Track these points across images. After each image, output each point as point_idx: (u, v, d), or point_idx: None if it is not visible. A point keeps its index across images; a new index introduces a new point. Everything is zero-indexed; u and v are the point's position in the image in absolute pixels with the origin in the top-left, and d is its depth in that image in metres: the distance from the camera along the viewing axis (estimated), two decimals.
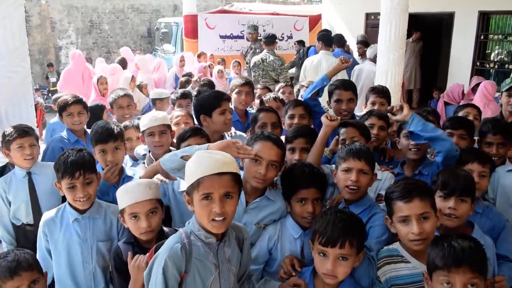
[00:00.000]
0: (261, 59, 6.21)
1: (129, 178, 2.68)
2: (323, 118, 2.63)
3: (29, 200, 2.82)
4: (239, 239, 1.86)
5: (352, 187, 2.15)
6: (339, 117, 2.73)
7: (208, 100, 2.98)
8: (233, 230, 1.84)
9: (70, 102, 3.45)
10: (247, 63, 7.37)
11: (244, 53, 7.71)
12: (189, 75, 7.17)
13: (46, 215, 2.35)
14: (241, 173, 2.07)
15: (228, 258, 1.77)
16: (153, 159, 2.89)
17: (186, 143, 2.53)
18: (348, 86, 3.36)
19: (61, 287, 2.30)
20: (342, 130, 2.69)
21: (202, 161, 1.68)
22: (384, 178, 2.58)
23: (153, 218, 2.09)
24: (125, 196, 2.11)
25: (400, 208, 1.91)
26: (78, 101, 3.51)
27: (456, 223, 2.10)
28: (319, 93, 3.30)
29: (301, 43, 9.57)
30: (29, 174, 2.85)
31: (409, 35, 8.88)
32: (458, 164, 2.44)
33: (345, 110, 3.25)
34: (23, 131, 2.84)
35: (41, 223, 2.34)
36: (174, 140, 3.20)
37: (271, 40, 6.39)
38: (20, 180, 2.85)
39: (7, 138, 2.82)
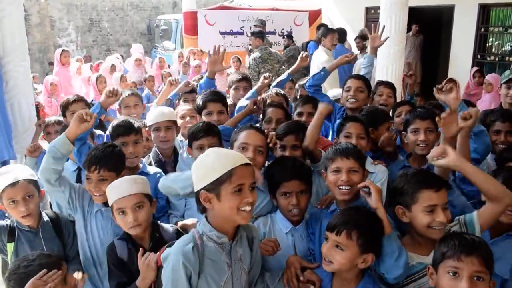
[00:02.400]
0: (270, 52, 6.22)
1: (146, 175, 2.67)
2: (320, 105, 2.62)
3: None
4: (249, 239, 1.87)
5: (344, 188, 2.10)
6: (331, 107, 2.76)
7: (201, 101, 3.12)
8: (244, 229, 1.84)
9: (72, 100, 3.51)
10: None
11: (250, 50, 7.56)
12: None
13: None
14: None
15: (240, 257, 1.78)
16: (159, 153, 3.01)
17: (198, 143, 2.57)
18: (359, 77, 3.48)
19: (85, 260, 2.41)
20: (348, 125, 2.64)
21: (226, 154, 1.71)
22: (377, 171, 2.56)
23: (140, 213, 2.11)
24: (113, 192, 2.15)
25: (430, 197, 1.88)
26: (80, 99, 3.57)
27: None
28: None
29: (290, 37, 9.32)
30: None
31: (408, 29, 8.87)
32: None
33: (353, 96, 3.29)
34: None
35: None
36: (177, 137, 3.23)
37: (262, 34, 6.45)
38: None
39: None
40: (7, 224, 2.35)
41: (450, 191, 2.01)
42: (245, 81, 3.87)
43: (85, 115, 2.31)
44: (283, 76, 3.97)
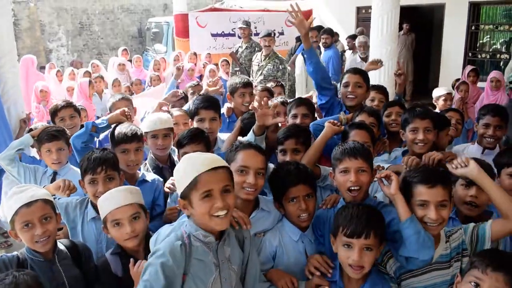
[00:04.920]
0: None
1: (145, 182, 2.69)
2: (326, 123, 2.62)
3: None
4: (239, 239, 1.85)
5: (353, 188, 2.08)
6: (342, 126, 2.70)
7: (192, 106, 3.10)
8: (233, 229, 1.82)
9: (60, 106, 3.47)
10: (241, 64, 7.23)
11: (236, 52, 7.51)
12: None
13: (68, 199, 2.39)
14: None
15: (228, 258, 1.75)
16: (155, 159, 2.99)
17: (183, 150, 2.59)
18: (357, 71, 3.39)
19: None
20: (353, 132, 2.62)
21: (194, 161, 1.68)
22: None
23: (137, 223, 2.07)
24: (105, 203, 2.08)
25: (421, 192, 1.92)
26: (69, 104, 3.53)
27: (476, 212, 2.22)
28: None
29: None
30: (54, 173, 2.97)
31: (400, 27, 8.90)
32: None
33: (351, 93, 3.24)
34: (51, 136, 2.94)
35: (60, 201, 2.38)
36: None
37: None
38: (45, 176, 2.99)
39: (38, 139, 2.99)
40: (13, 256, 2.02)
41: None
42: (250, 87, 3.76)
43: (66, 187, 2.33)
44: None
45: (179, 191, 1.71)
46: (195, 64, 8.46)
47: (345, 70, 6.52)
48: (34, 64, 7.19)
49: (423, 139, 2.63)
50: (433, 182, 1.90)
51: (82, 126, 3.23)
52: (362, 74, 3.33)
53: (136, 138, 2.69)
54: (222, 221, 1.66)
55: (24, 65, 7.11)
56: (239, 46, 7.44)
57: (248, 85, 3.72)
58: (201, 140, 2.63)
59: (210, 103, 3.15)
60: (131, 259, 1.98)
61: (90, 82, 6.32)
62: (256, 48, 7.00)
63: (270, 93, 4.03)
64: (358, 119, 2.91)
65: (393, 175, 1.99)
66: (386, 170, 2.13)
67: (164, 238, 1.81)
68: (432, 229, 1.90)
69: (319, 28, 7.58)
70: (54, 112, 3.49)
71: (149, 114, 3.85)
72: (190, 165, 1.67)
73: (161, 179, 2.79)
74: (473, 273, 1.65)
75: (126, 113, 2.96)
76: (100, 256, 2.21)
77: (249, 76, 6.07)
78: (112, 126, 2.91)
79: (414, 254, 1.86)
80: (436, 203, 1.89)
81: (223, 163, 1.72)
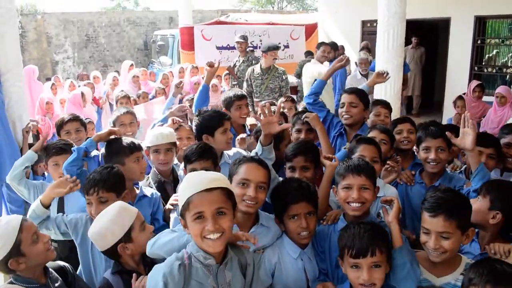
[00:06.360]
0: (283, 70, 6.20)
1: (145, 197, 2.69)
2: (323, 160, 2.58)
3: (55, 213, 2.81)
4: (241, 264, 1.79)
5: (355, 204, 2.07)
6: (336, 161, 2.57)
7: (211, 120, 2.99)
8: (236, 254, 1.78)
9: (66, 120, 3.45)
10: (239, 77, 7.24)
11: (233, 66, 7.55)
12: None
13: (78, 216, 2.44)
14: None
15: (228, 283, 1.70)
16: (158, 173, 2.98)
17: (191, 166, 2.55)
18: (352, 91, 3.40)
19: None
20: (361, 147, 2.57)
21: (192, 181, 1.65)
22: (388, 193, 2.48)
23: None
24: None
25: (424, 220, 1.91)
26: (75, 118, 3.51)
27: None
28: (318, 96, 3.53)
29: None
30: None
31: (408, 41, 8.92)
32: None
33: (346, 112, 3.26)
34: (60, 149, 2.93)
35: (69, 217, 2.44)
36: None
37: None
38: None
39: (46, 152, 2.96)
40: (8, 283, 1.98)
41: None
42: (246, 99, 3.74)
43: (65, 180, 2.40)
44: None
45: (179, 209, 1.69)
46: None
47: (344, 87, 6.58)
48: (35, 74, 7.25)
49: (435, 158, 2.63)
50: (434, 212, 1.87)
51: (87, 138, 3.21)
52: (357, 94, 3.32)
53: (135, 149, 2.72)
54: (215, 244, 1.61)
55: (26, 75, 7.11)
56: (237, 60, 7.51)
57: (243, 97, 3.70)
58: (209, 156, 2.61)
59: (228, 115, 3.15)
60: (134, 274, 1.95)
61: (82, 94, 6.43)
62: (253, 62, 7.03)
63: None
64: (369, 135, 2.87)
65: (396, 201, 2.01)
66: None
67: (162, 243, 1.85)
68: (433, 256, 1.89)
69: (333, 45, 7.72)
70: (60, 125, 3.47)
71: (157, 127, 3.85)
72: (187, 185, 1.65)
73: (159, 194, 2.79)
74: None
75: (116, 132, 2.88)
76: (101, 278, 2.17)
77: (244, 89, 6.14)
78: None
79: (395, 283, 1.86)
80: (436, 233, 1.86)
81: (221, 183, 1.64)
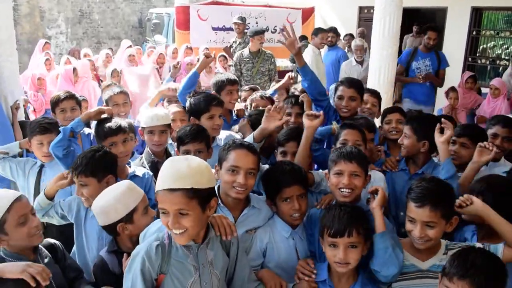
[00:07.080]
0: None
1: (136, 177, 2.69)
2: (304, 118, 2.59)
3: (32, 190, 2.91)
4: (225, 243, 1.83)
5: (345, 190, 2.13)
6: (321, 112, 2.64)
7: (198, 104, 2.99)
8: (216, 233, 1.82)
9: (62, 97, 3.43)
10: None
11: (229, 47, 7.50)
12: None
13: (72, 198, 2.48)
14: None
15: (210, 261, 1.74)
16: (151, 154, 3.00)
17: (184, 148, 2.58)
18: (351, 84, 3.26)
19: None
20: (345, 132, 2.59)
21: (161, 174, 1.65)
22: (376, 178, 2.54)
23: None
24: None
25: (410, 209, 1.97)
26: (71, 96, 3.49)
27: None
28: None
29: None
30: (41, 166, 2.97)
31: (409, 30, 8.90)
32: None
33: (345, 107, 3.19)
34: (44, 128, 2.91)
35: (65, 201, 2.49)
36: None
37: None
38: (33, 169, 2.98)
39: (30, 130, 2.95)
40: None
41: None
42: (237, 84, 3.74)
43: (65, 174, 2.46)
44: (270, 91, 4.17)
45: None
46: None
47: (340, 76, 6.60)
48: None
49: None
50: (421, 202, 1.92)
51: None
52: (356, 87, 3.24)
53: (121, 130, 2.73)
54: (179, 238, 1.65)
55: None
56: (233, 41, 7.50)
57: (235, 82, 3.67)
58: (202, 138, 2.62)
59: (219, 100, 3.12)
60: (125, 254, 1.98)
61: (74, 69, 6.37)
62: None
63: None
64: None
65: (381, 190, 2.07)
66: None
67: (153, 233, 1.85)
68: (418, 244, 1.96)
69: (335, 30, 7.78)
70: (55, 103, 3.45)
71: (147, 106, 3.85)
72: (159, 176, 1.66)
73: (151, 173, 2.81)
74: (444, 281, 1.68)
75: (106, 111, 2.90)
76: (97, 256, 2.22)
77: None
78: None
79: (377, 268, 1.93)
80: (422, 223, 1.92)
81: (184, 184, 1.58)
